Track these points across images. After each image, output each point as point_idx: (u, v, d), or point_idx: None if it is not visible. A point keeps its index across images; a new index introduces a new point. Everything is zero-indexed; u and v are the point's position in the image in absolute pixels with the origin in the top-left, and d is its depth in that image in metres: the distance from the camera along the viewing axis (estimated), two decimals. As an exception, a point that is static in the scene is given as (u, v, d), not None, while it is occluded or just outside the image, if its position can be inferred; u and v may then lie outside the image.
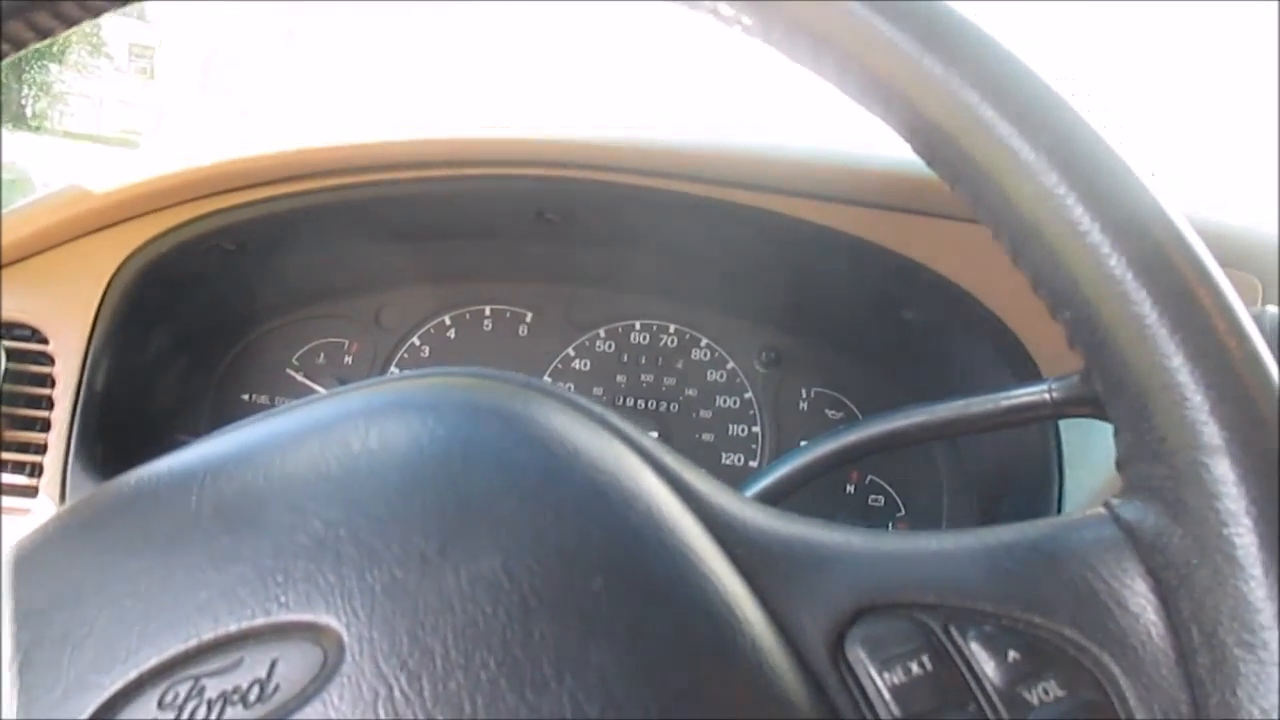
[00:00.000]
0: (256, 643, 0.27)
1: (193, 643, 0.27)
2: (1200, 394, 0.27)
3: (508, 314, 1.03)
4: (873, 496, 0.94)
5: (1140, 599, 0.28)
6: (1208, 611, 0.27)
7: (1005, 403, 0.47)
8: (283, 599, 0.27)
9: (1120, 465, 0.31)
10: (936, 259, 0.74)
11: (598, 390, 1.00)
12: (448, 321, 1.03)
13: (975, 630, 0.29)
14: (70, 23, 0.36)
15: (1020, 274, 0.32)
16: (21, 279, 0.81)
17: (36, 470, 0.81)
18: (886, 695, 0.28)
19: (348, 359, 1.03)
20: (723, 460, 0.97)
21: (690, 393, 0.99)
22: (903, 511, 0.94)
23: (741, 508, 0.32)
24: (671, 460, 0.33)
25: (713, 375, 0.99)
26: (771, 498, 0.53)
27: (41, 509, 0.80)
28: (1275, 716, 0.25)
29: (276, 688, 0.26)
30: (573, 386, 1.00)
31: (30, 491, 0.80)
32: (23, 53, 0.37)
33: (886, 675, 0.28)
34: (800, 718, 0.27)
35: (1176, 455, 0.28)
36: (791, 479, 0.54)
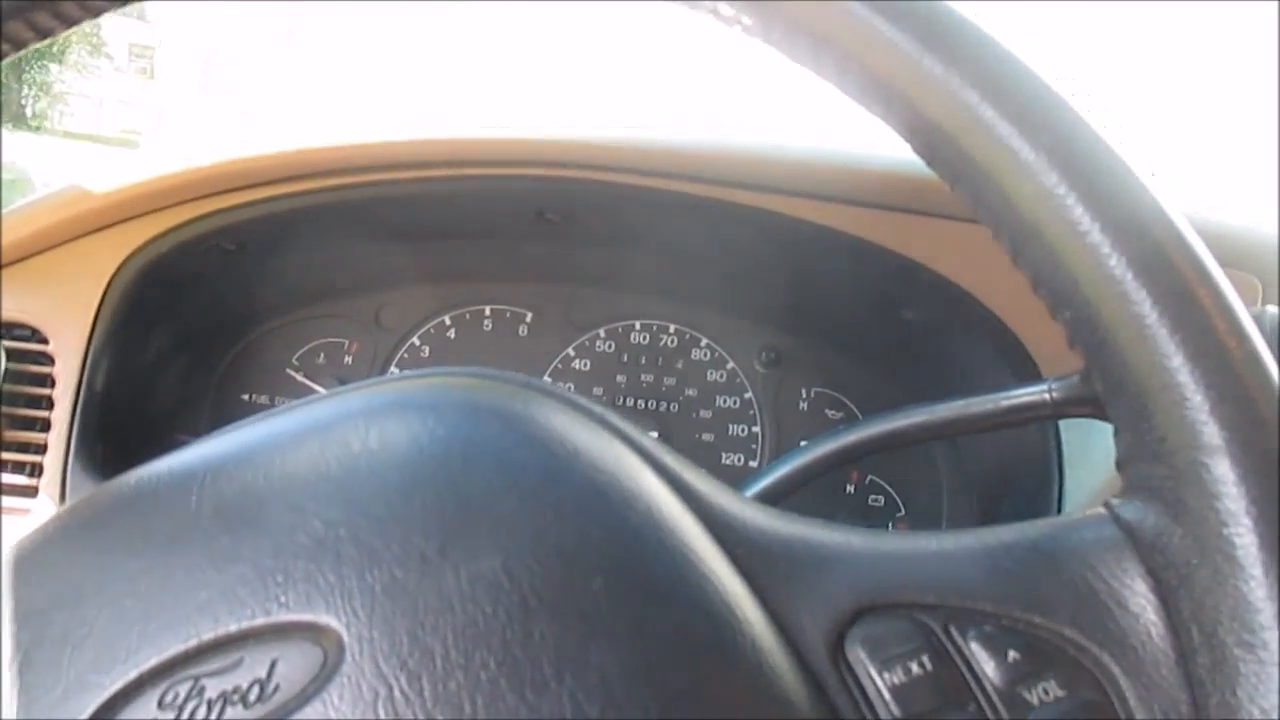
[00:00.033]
0: (256, 643, 0.27)
1: (193, 643, 0.27)
2: (1200, 394, 0.27)
3: (508, 314, 1.03)
4: (873, 496, 0.94)
5: (1140, 599, 0.28)
6: (1208, 611, 0.27)
7: (1005, 403, 0.47)
8: (283, 599, 0.27)
9: (1120, 465, 0.31)
10: (937, 259, 0.74)
11: (598, 390, 1.00)
12: (448, 321, 1.03)
13: (975, 630, 0.29)
14: (70, 23, 0.36)
15: (1020, 274, 0.32)
16: (21, 279, 0.81)
17: (36, 470, 0.81)
18: (886, 695, 0.28)
19: (348, 359, 1.03)
20: (723, 460, 0.97)
21: (690, 393, 0.99)
22: (903, 511, 0.94)
23: (741, 508, 0.32)
24: (671, 460, 0.33)
25: (713, 375, 0.99)
26: (771, 498, 0.53)
27: (41, 509, 0.80)
28: (1275, 716, 0.25)
29: (276, 688, 0.26)
30: (573, 386, 1.00)
31: (30, 491, 0.80)
32: (23, 53, 0.37)
33: (886, 675, 0.28)
34: (800, 718, 0.27)
35: (1176, 455, 0.28)
36: (791, 479, 0.54)
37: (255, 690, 0.26)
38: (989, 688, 0.28)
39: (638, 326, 1.01)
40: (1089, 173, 0.29)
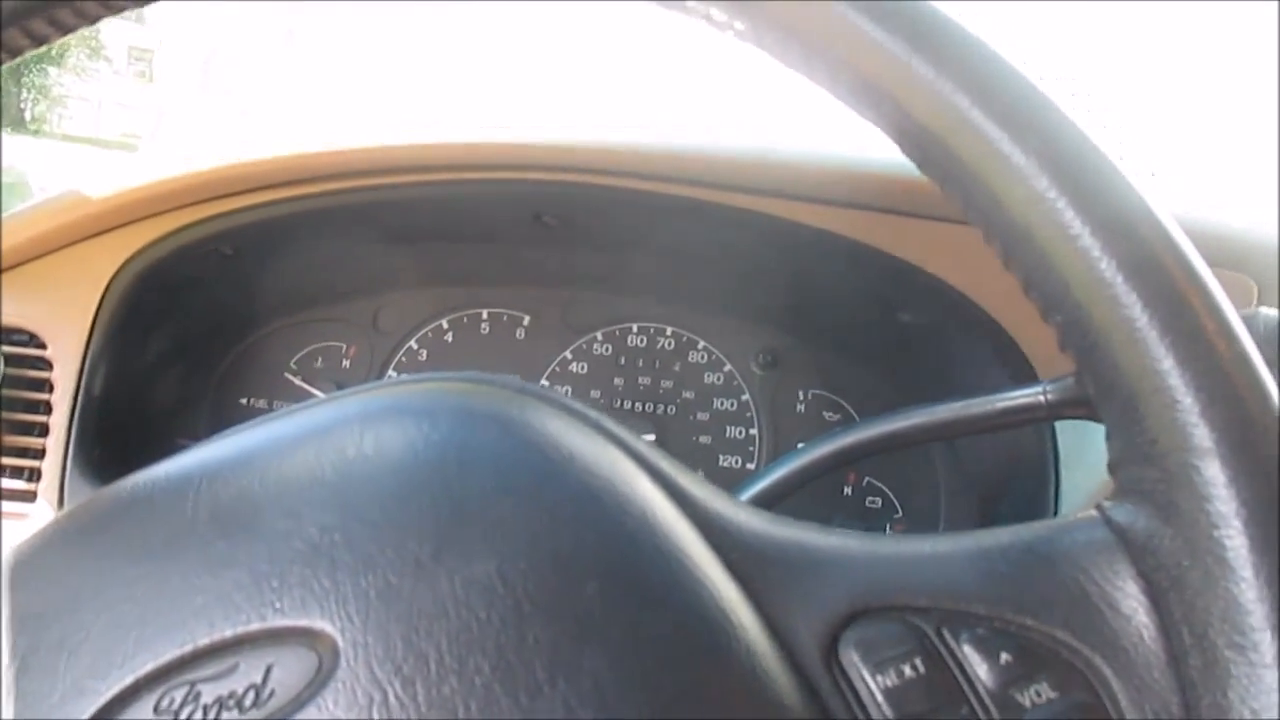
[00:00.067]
0: (252, 648, 0.27)
1: (188, 648, 0.27)
2: (1190, 396, 0.27)
3: (505, 317, 1.03)
4: (870, 498, 0.94)
5: (1132, 601, 0.29)
6: (1199, 613, 0.27)
7: (1001, 405, 0.47)
8: (278, 604, 0.27)
9: (1112, 468, 0.31)
10: (933, 262, 0.74)
11: (595, 393, 1.00)
12: (445, 325, 1.03)
13: (968, 633, 0.29)
14: (66, 29, 0.36)
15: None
16: (19, 284, 0.81)
17: (35, 475, 0.81)
18: (880, 698, 0.28)
19: (346, 362, 1.03)
20: (720, 462, 0.97)
21: (688, 395, 0.99)
22: (900, 513, 0.94)
23: (736, 512, 0.32)
24: (666, 465, 0.33)
25: (710, 378, 0.99)
26: (769, 500, 0.53)
27: (40, 514, 0.80)
28: (1266, 718, 0.25)
29: (272, 693, 0.26)
30: (570, 389, 1.00)
31: (29, 496, 0.81)
32: (20, 59, 0.37)
33: (880, 678, 0.28)
34: None
35: (1168, 458, 0.28)
36: (788, 481, 0.54)
37: (251, 695, 0.26)
38: (982, 690, 0.28)
39: (635, 329, 1.01)
40: (1079, 176, 0.29)
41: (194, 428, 1.00)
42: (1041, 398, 0.45)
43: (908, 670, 0.28)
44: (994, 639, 0.29)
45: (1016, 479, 0.77)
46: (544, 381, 1.01)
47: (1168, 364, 0.27)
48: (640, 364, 1.00)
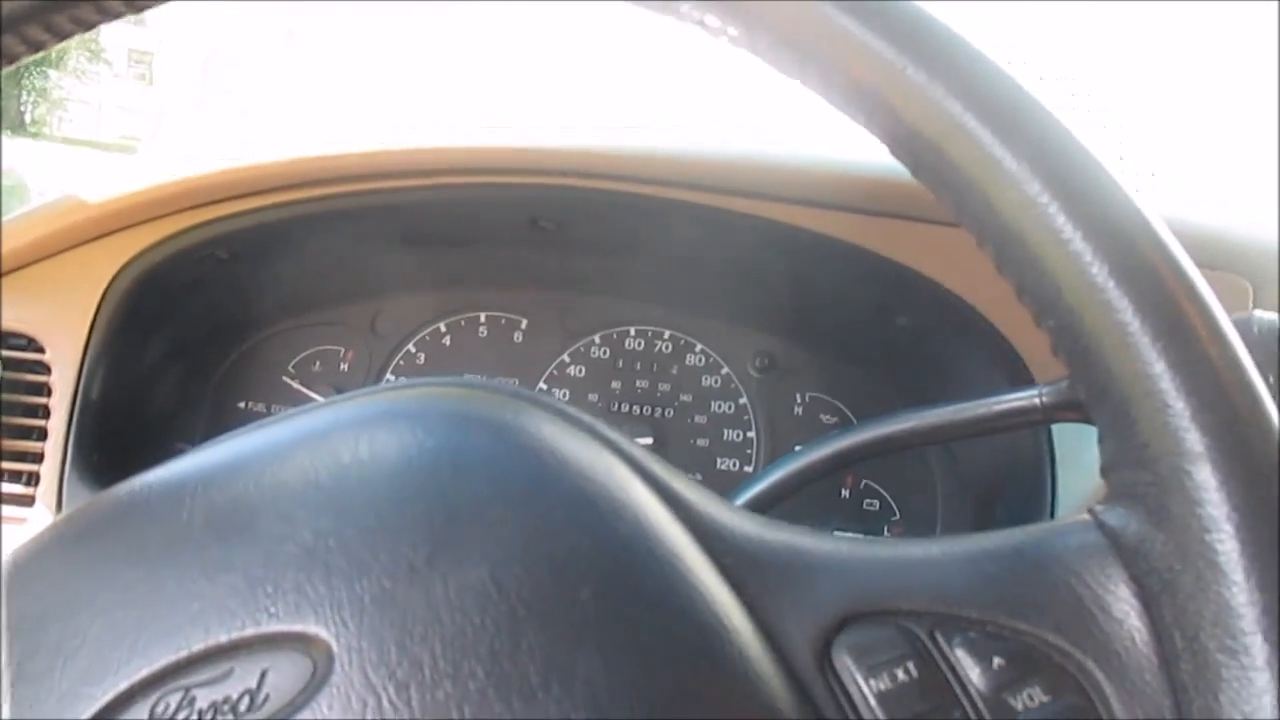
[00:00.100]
0: (247, 653, 0.27)
1: (183, 653, 0.27)
2: (1182, 401, 0.27)
3: (503, 320, 1.03)
4: (868, 501, 0.94)
5: (1124, 605, 0.29)
6: (1190, 617, 0.27)
7: (997, 408, 0.47)
8: (272, 609, 0.27)
9: (1104, 471, 0.31)
10: (930, 265, 0.74)
11: (593, 396, 1.00)
12: (443, 328, 1.03)
13: (961, 636, 0.29)
14: (63, 36, 0.36)
15: None
16: (17, 288, 0.81)
17: (33, 479, 0.81)
18: (872, 701, 0.28)
19: (344, 366, 1.03)
20: (718, 465, 0.97)
21: (685, 398, 0.99)
22: (898, 516, 0.94)
23: (730, 516, 0.32)
24: (661, 470, 0.33)
25: (707, 381, 0.99)
26: (765, 504, 0.53)
27: (38, 518, 0.80)
28: None
29: (266, 698, 0.26)
30: (568, 393, 1.00)
31: (27, 500, 0.81)
32: (16, 65, 0.37)
33: (873, 682, 0.28)
34: None
35: (1159, 462, 0.28)
36: (785, 485, 0.54)
37: (245, 700, 0.26)
38: (974, 693, 0.28)
39: (632, 332, 1.01)
40: (1070, 180, 0.29)
41: (192, 431, 1.00)
42: (1037, 401, 0.45)
43: (900, 674, 0.29)
44: (986, 643, 0.29)
45: (1013, 481, 0.77)
46: (542, 385, 1.01)
47: (1159, 368, 0.27)
48: (638, 367, 1.00)
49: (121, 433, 0.86)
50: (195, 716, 0.26)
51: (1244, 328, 0.47)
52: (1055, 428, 0.71)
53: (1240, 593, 0.25)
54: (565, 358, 1.01)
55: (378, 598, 0.27)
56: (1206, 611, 0.26)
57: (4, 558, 0.32)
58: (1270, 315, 0.47)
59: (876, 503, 0.94)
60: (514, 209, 0.85)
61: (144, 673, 0.27)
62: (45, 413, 0.81)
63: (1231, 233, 0.73)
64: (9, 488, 0.81)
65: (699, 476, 0.97)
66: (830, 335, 0.97)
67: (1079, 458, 0.70)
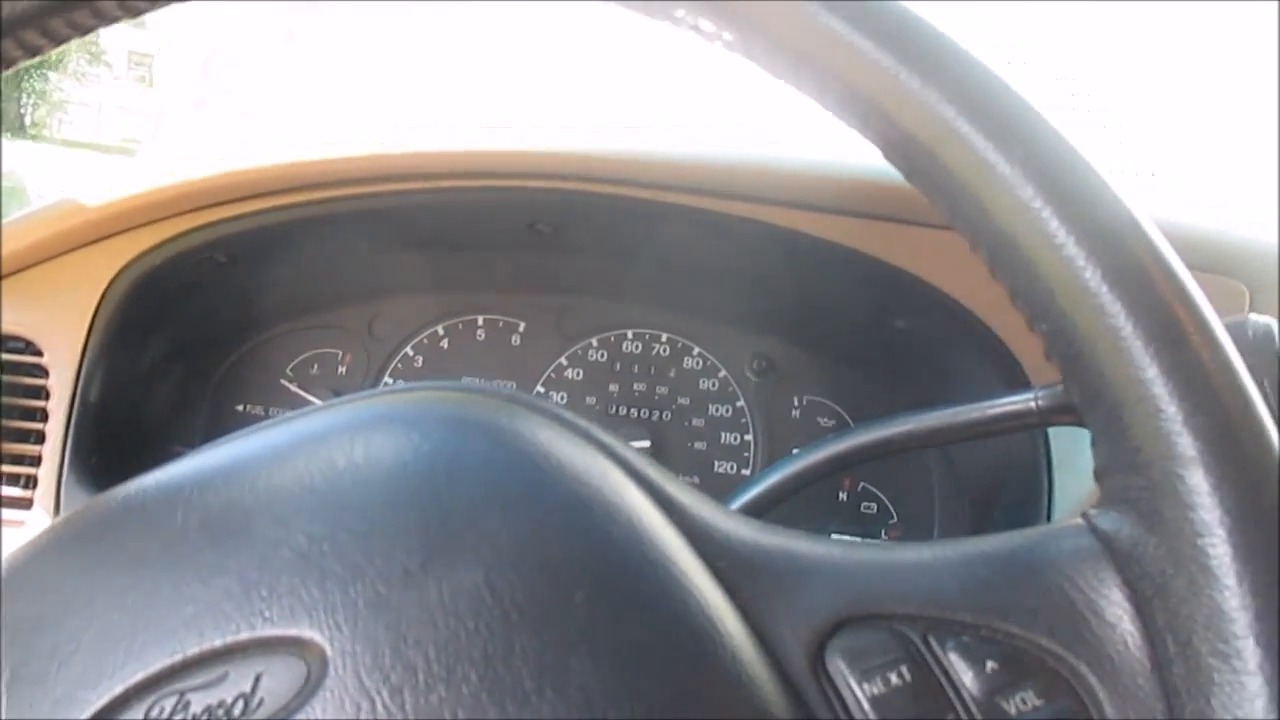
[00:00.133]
0: (241, 657, 0.27)
1: (178, 657, 0.27)
2: (1174, 405, 0.27)
3: (500, 324, 1.03)
4: (865, 504, 0.94)
5: (1117, 609, 0.29)
6: (1182, 621, 0.27)
7: (992, 411, 0.48)
8: (267, 613, 0.27)
9: (1098, 476, 0.31)
10: (927, 268, 0.75)
11: (590, 399, 1.00)
12: (440, 331, 1.03)
13: (954, 641, 0.29)
14: (59, 41, 0.36)
15: None
16: (15, 291, 0.81)
17: (31, 482, 0.81)
18: (866, 705, 0.28)
19: (341, 369, 1.03)
20: (715, 468, 0.97)
21: (683, 401, 0.99)
22: (895, 519, 0.94)
23: (724, 520, 0.32)
24: (655, 473, 0.33)
25: (705, 384, 0.99)
26: (763, 506, 0.54)
27: (36, 521, 0.80)
28: None
29: (261, 702, 0.26)
30: (565, 396, 1.00)
31: (25, 504, 0.81)
32: (13, 69, 0.37)
33: (866, 686, 0.28)
34: None
35: (1152, 466, 0.28)
36: (783, 487, 0.54)
37: (240, 705, 0.26)
38: (967, 698, 0.28)
39: (630, 335, 1.01)
40: (1064, 185, 0.29)
41: (190, 434, 1.00)
42: (1033, 404, 0.45)
43: (894, 678, 0.29)
44: (980, 647, 0.29)
45: (1010, 485, 0.77)
46: (539, 388, 1.01)
47: (1152, 372, 0.27)
48: (635, 370, 1.00)
49: (119, 436, 0.86)
50: None
51: (1239, 331, 0.47)
52: (1051, 431, 0.71)
53: (1232, 597, 0.26)
54: (563, 360, 1.01)
55: (372, 602, 0.27)
56: (1199, 616, 0.26)
57: (1, 561, 0.32)
58: (1265, 319, 0.47)
59: (874, 506, 0.94)
60: (512, 212, 0.85)
61: (139, 676, 0.27)
62: (43, 416, 0.81)
63: (1228, 236, 0.73)
64: (7, 491, 0.81)
65: (696, 479, 0.97)
66: (828, 338, 0.97)
67: (1075, 461, 0.70)
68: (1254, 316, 0.48)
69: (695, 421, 0.99)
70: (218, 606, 0.27)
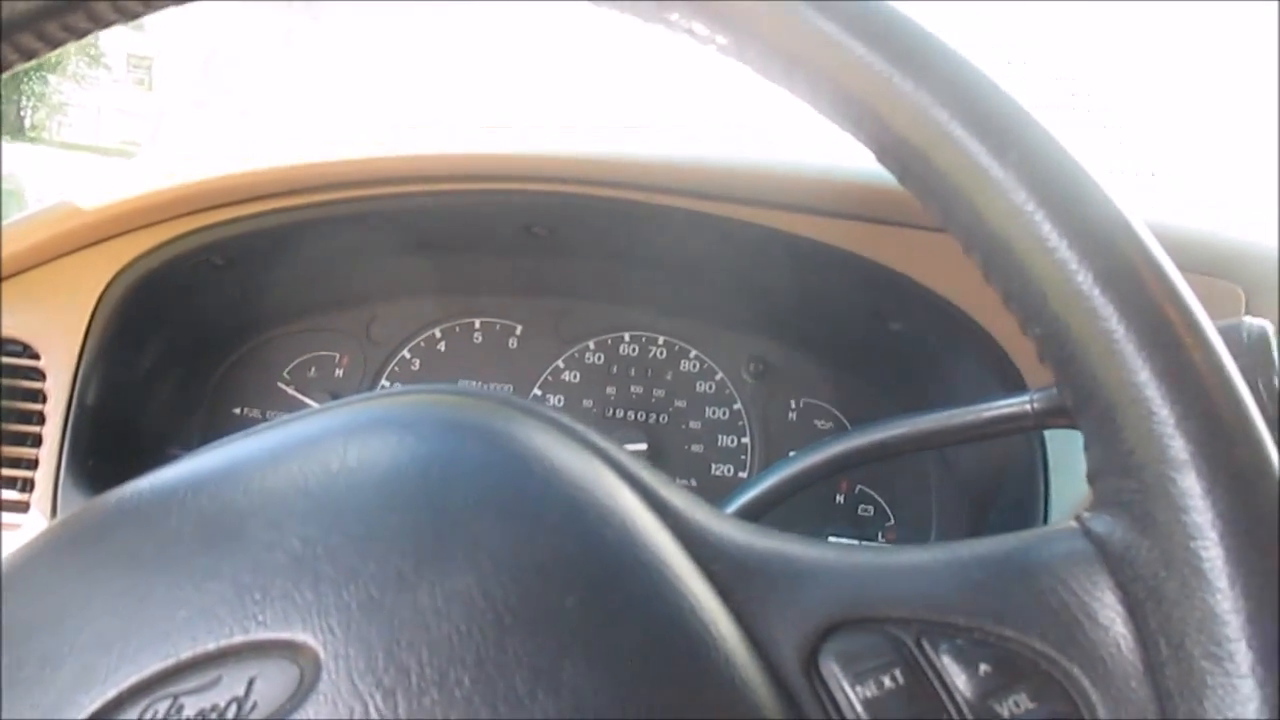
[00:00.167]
0: (235, 661, 0.27)
1: (171, 661, 0.27)
2: (1167, 408, 0.27)
3: (497, 326, 1.03)
4: (862, 506, 0.94)
5: (1109, 612, 0.29)
6: (1175, 624, 0.27)
7: (988, 414, 0.48)
8: (260, 617, 0.27)
9: (1091, 478, 0.31)
10: (923, 271, 0.75)
11: (587, 402, 1.00)
12: (438, 334, 1.03)
13: (947, 644, 0.29)
14: (56, 44, 0.36)
15: None
16: (12, 295, 0.81)
17: (28, 485, 0.81)
18: (859, 709, 0.28)
19: (339, 372, 1.03)
20: (712, 471, 0.97)
21: (680, 404, 0.99)
22: (892, 521, 0.94)
23: (718, 523, 0.32)
24: (649, 477, 0.33)
25: (702, 386, 0.99)
26: (759, 509, 0.54)
27: (33, 524, 0.80)
28: None
29: (254, 705, 0.26)
30: (563, 398, 1.00)
31: (22, 507, 0.81)
32: (10, 72, 0.37)
33: (859, 689, 0.28)
34: None
35: (1145, 469, 0.28)
36: (779, 490, 0.54)
37: (233, 708, 0.26)
38: (960, 700, 0.28)
39: (627, 338, 1.01)
40: (1057, 189, 0.29)
41: (188, 437, 1.00)
42: (1028, 407, 0.45)
43: (887, 681, 0.29)
44: (973, 650, 0.29)
45: (1006, 487, 0.77)
46: (536, 391, 1.01)
47: (1144, 376, 0.27)
48: (632, 373, 1.00)
49: (117, 439, 0.86)
50: None
51: (1234, 334, 0.47)
52: (1048, 434, 0.71)
53: (1225, 600, 0.26)
54: (560, 363, 1.01)
55: (365, 605, 0.27)
56: (1191, 618, 0.26)
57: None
58: (1260, 321, 0.47)
59: (871, 508, 0.94)
60: (508, 215, 0.85)
61: (132, 680, 0.27)
62: (40, 419, 0.81)
63: (1225, 238, 0.73)
64: (4, 494, 0.81)
65: (693, 482, 0.97)
66: (824, 341, 0.97)
67: (1072, 463, 0.70)
68: (1249, 319, 0.48)
69: (692, 424, 0.99)
70: (211, 610, 0.27)
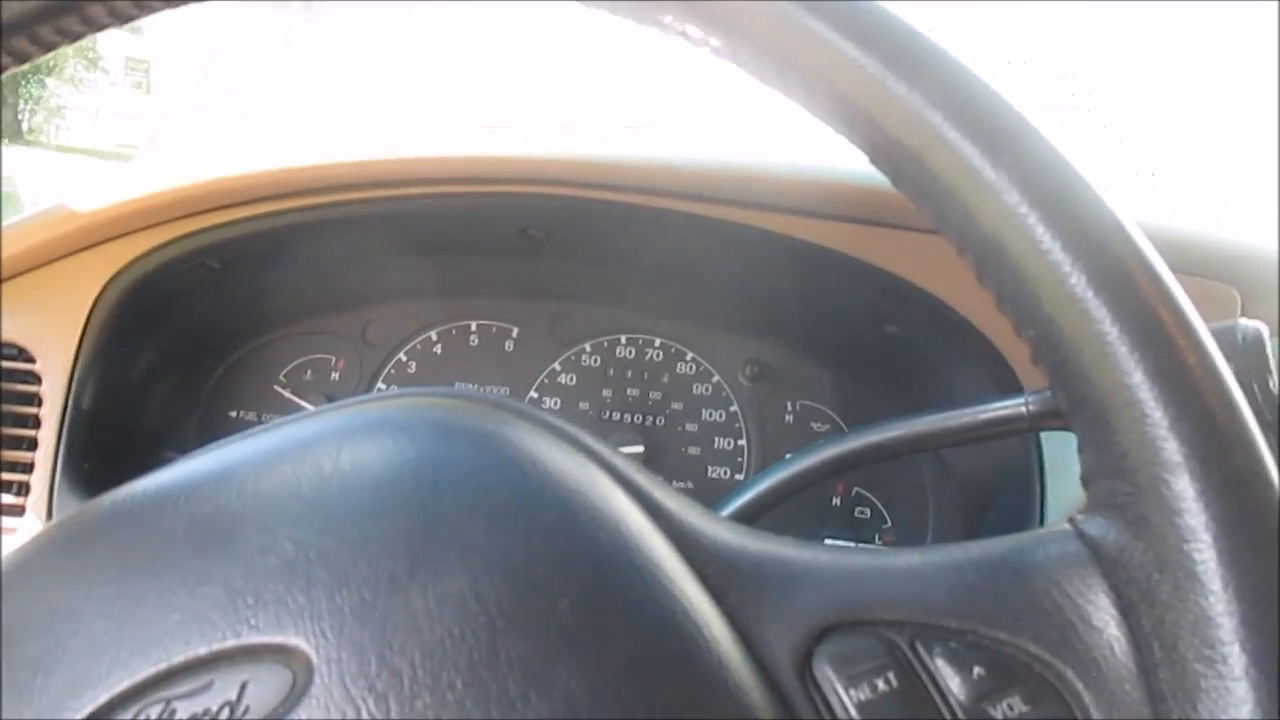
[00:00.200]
0: (227, 665, 0.27)
1: (164, 665, 0.27)
2: (1160, 411, 0.27)
3: (494, 329, 1.03)
4: (859, 509, 0.94)
5: (1103, 614, 0.29)
6: (1169, 627, 0.27)
7: (984, 416, 0.48)
8: (253, 621, 0.27)
9: (1084, 481, 0.31)
10: (919, 274, 0.75)
11: (584, 405, 1.00)
12: (434, 337, 1.03)
13: (941, 646, 0.29)
14: (50, 47, 0.36)
15: None
16: (8, 298, 0.81)
17: (24, 489, 0.81)
18: (853, 711, 0.28)
19: (335, 375, 1.03)
20: (709, 473, 0.97)
21: (676, 406, 0.99)
22: (889, 523, 0.94)
23: (712, 526, 0.32)
24: (643, 479, 0.33)
25: (698, 389, 0.99)
26: (756, 512, 0.54)
27: (29, 528, 0.80)
28: None
29: (246, 709, 0.26)
30: (559, 401, 1.00)
31: (17, 510, 0.80)
32: (6, 74, 0.37)
33: (853, 692, 0.28)
34: None
35: (1138, 471, 0.28)
36: (776, 493, 0.54)
37: (225, 712, 0.26)
38: (954, 703, 0.28)
39: (623, 340, 1.01)
40: (1050, 190, 0.29)
41: (183, 440, 1.00)
42: (1024, 409, 0.45)
43: (881, 684, 0.29)
44: (966, 652, 0.29)
45: (1003, 489, 0.77)
46: (533, 393, 1.01)
47: (1137, 378, 0.27)
48: (629, 375, 1.00)
49: (112, 442, 0.86)
50: None
51: (1228, 336, 0.47)
52: (1044, 435, 0.71)
53: (1218, 602, 0.26)
54: (556, 366, 1.01)
55: (357, 609, 0.27)
56: (1185, 621, 0.26)
57: None
58: (1255, 323, 0.47)
59: (868, 511, 0.94)
60: (504, 218, 0.85)
61: (125, 684, 0.27)
62: (36, 422, 0.81)
63: (1221, 240, 0.73)
64: (0, 497, 0.81)
65: (690, 484, 0.97)
66: (821, 343, 0.97)
67: (1068, 465, 0.69)
68: (1244, 321, 0.48)
69: (689, 427, 0.99)
70: (204, 614, 0.27)
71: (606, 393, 1.00)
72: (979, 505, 0.84)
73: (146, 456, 0.93)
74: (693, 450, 0.98)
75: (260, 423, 0.92)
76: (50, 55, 0.37)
